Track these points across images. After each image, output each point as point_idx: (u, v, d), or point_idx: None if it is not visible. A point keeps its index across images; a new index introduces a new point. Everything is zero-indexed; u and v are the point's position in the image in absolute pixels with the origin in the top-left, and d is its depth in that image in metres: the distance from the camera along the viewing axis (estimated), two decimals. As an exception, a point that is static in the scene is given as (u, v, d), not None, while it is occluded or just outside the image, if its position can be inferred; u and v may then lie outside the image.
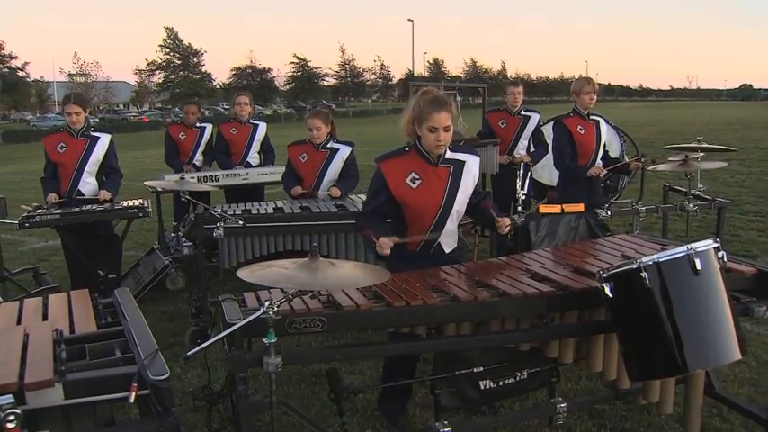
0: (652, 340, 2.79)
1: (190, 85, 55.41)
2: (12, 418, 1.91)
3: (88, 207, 5.74)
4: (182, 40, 58.06)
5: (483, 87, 9.38)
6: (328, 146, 5.91)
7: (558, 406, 3.54)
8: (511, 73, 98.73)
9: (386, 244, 3.44)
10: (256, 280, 2.47)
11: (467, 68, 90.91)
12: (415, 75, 79.73)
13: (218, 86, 60.91)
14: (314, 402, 4.22)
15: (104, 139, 6.04)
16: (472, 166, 3.73)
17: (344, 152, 5.95)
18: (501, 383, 3.53)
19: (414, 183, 3.63)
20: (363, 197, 5.69)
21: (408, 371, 3.82)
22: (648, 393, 3.36)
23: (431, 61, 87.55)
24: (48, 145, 5.99)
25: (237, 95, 7.66)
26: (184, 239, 6.97)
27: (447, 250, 3.77)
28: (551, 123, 6.79)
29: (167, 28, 57.84)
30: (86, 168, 5.94)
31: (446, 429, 3.25)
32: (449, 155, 3.69)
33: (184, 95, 55.84)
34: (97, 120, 53.98)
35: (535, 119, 7.38)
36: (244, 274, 2.52)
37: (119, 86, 64.71)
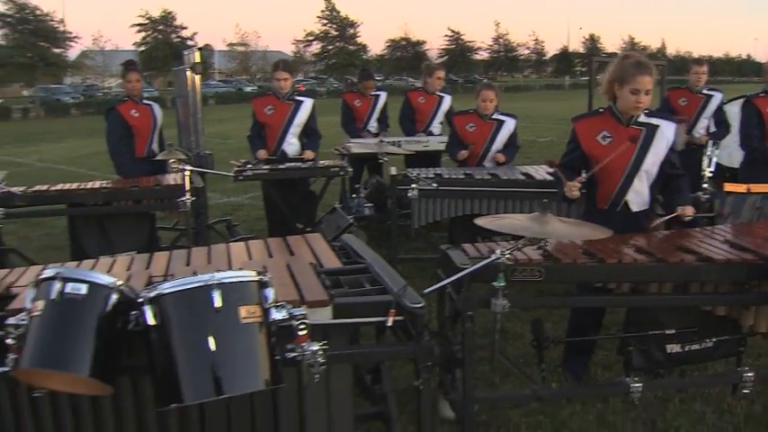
0: None
1: (345, 56, 56.70)
2: (303, 326, 2.29)
3: (292, 164, 6.26)
4: (339, 12, 59.50)
5: (662, 65, 9.29)
6: (494, 117, 6.20)
7: (744, 375, 3.57)
8: (670, 51, 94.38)
9: (574, 186, 3.71)
10: (495, 228, 2.77)
11: (624, 45, 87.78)
12: (570, 50, 78.01)
13: (372, 58, 61.84)
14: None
15: (308, 103, 6.54)
16: (666, 131, 3.86)
17: (510, 124, 6.25)
18: (687, 349, 3.63)
19: (604, 140, 3.84)
20: (546, 167, 5.93)
21: (594, 330, 4.03)
22: None
23: (586, 37, 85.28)
24: (257, 107, 6.55)
25: (436, 69, 8.00)
26: (365, 201, 7.38)
27: (634, 209, 3.93)
28: (734, 102, 6.68)
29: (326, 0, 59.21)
30: (291, 130, 6.49)
31: (637, 385, 3.37)
32: (643, 118, 3.84)
33: (339, 66, 57.29)
34: (255, 87, 56.22)
35: (717, 98, 7.27)
36: (482, 222, 2.84)
37: (275, 56, 66.85)
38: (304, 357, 2.27)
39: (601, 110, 3.99)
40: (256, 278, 2.21)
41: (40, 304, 2.16)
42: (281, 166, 6.25)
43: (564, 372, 4.18)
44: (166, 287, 2.14)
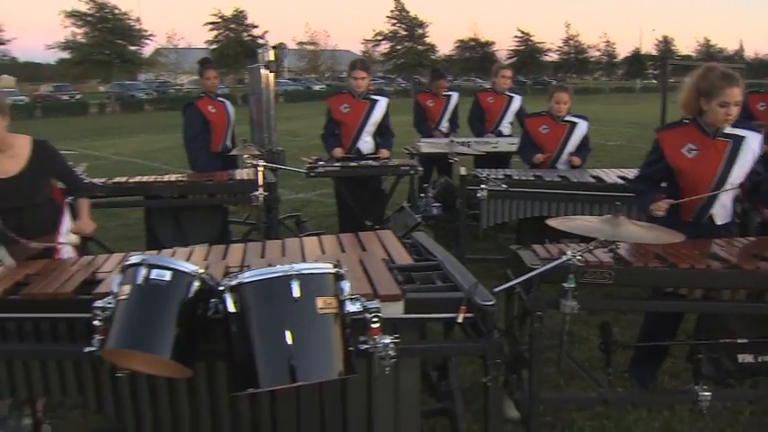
0: None
1: (414, 56, 56.67)
2: (375, 319, 2.34)
3: (363, 162, 6.34)
4: (408, 12, 59.48)
5: (740, 68, 9.06)
6: (566, 119, 6.15)
7: (822, 389, 3.52)
8: (749, 53, 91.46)
9: (661, 205, 3.67)
10: (566, 228, 2.78)
11: (699, 47, 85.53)
12: (642, 53, 76.37)
13: (440, 58, 61.65)
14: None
15: (382, 102, 6.60)
16: (752, 143, 3.77)
17: (583, 126, 6.18)
18: (760, 359, 3.53)
19: (690, 153, 3.76)
20: (616, 170, 5.87)
21: (669, 337, 3.95)
22: None
23: (659, 38, 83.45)
24: (332, 105, 6.63)
25: (502, 68, 8.00)
26: (433, 200, 7.41)
27: (718, 222, 3.86)
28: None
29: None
30: (366, 128, 6.56)
31: (706, 394, 3.31)
32: (728, 129, 3.76)
33: (408, 66, 57.30)
34: (324, 86, 56.71)
35: None
36: (554, 223, 2.85)
37: (344, 55, 67.35)
38: (376, 349, 2.33)
39: (685, 121, 3.90)
40: (333, 270, 2.27)
41: (127, 289, 2.27)
42: (352, 164, 6.34)
43: (630, 377, 4.13)
44: (247, 276, 2.22)
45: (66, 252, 3.73)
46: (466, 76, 62.54)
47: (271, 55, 7.79)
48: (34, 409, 3.08)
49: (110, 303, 2.31)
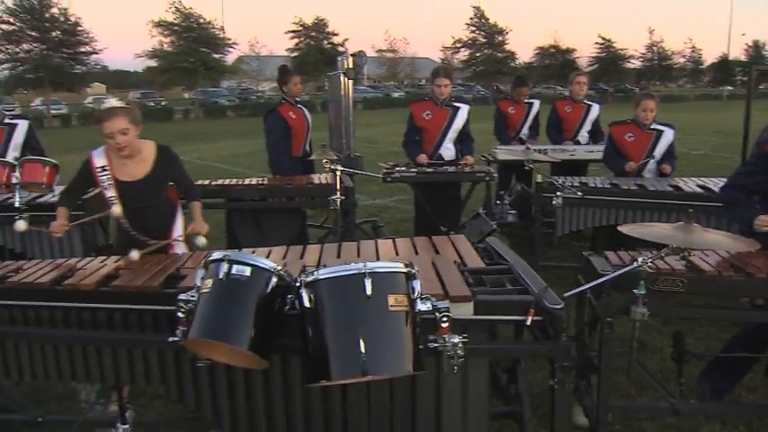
0: None
1: (493, 64, 56.35)
2: (445, 319, 2.40)
3: (439, 168, 6.42)
4: (488, 19, 59.19)
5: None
6: (652, 127, 6.10)
7: None
8: None
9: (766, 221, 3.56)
10: (638, 235, 2.79)
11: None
12: (730, 58, 73.95)
13: (519, 65, 61.09)
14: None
15: (464, 109, 6.67)
16: None
17: (669, 134, 6.15)
18: None
19: None
20: (696, 179, 5.77)
21: (756, 348, 3.83)
22: None
23: (749, 43, 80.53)
24: (415, 111, 6.73)
25: (577, 75, 7.98)
26: (509, 208, 7.42)
27: None
28: None
29: (474, 7, 59.15)
30: (448, 135, 6.64)
31: None
32: None
33: (487, 73, 57.00)
34: (403, 93, 56.97)
35: None
36: (625, 229, 2.87)
37: (423, 63, 67.58)
38: (445, 348, 2.39)
39: None
40: (405, 270, 2.35)
41: (209, 283, 2.40)
42: (429, 170, 6.42)
43: (700, 384, 4.00)
44: (322, 273, 2.32)
45: (180, 248, 4.02)
46: (546, 84, 61.75)
47: (350, 62, 7.93)
48: (121, 396, 3.26)
49: (192, 296, 2.45)
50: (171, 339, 2.49)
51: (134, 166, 3.85)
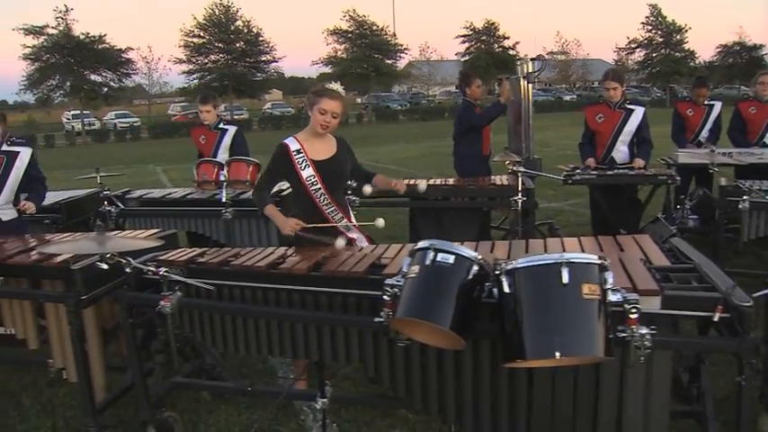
0: None
1: (670, 64, 54.01)
2: (635, 310, 2.53)
3: (620, 171, 6.47)
4: (665, 17, 56.79)
5: None
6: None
7: None
8: None
9: None
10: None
11: None
12: None
13: (699, 65, 58.11)
14: None
15: (639, 112, 6.71)
16: None
17: None
18: None
19: None
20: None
21: None
22: None
23: None
24: (588, 114, 6.84)
25: (762, 74, 7.63)
26: (690, 212, 7.27)
27: None
28: None
29: (651, 5, 56.75)
30: (620, 137, 6.70)
31: None
32: None
33: (663, 74, 54.68)
34: (575, 97, 55.85)
35: None
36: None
37: (595, 64, 65.79)
38: (633, 338, 2.52)
39: None
40: (598, 261, 2.51)
41: (416, 269, 2.69)
42: (609, 172, 6.47)
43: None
44: (522, 262, 2.55)
45: (360, 241, 4.37)
46: (728, 84, 58.37)
47: (530, 66, 8.05)
48: (322, 372, 3.60)
49: (398, 282, 2.74)
50: (376, 320, 2.80)
51: (322, 146, 4.19)
